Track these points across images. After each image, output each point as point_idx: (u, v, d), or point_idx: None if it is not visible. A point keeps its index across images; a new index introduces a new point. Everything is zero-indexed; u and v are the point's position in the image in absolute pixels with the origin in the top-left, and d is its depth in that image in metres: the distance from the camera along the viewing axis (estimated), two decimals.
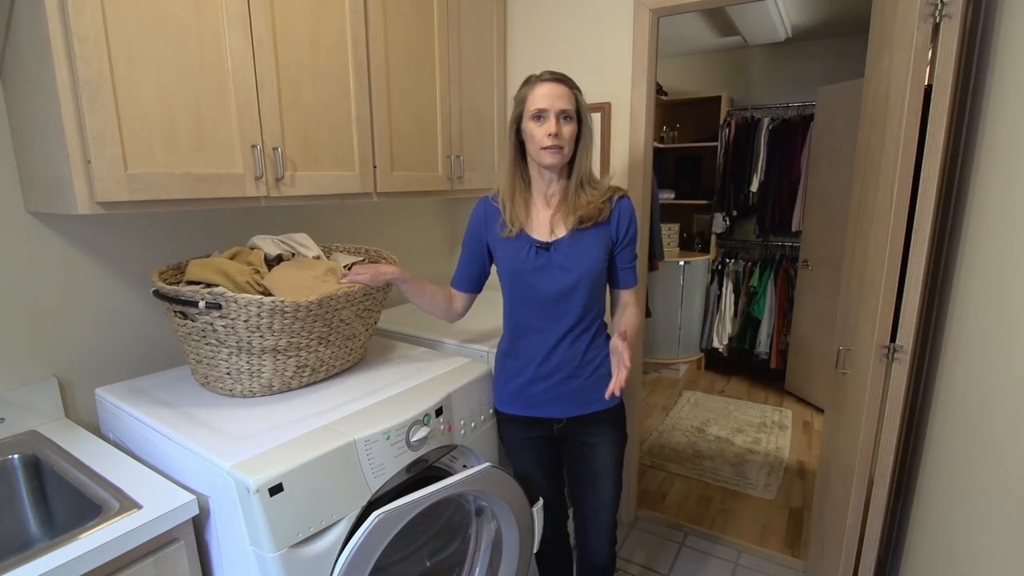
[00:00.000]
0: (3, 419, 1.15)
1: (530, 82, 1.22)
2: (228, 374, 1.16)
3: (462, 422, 1.30)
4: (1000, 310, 1.03)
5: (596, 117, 1.98)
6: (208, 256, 1.28)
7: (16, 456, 1.10)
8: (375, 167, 1.54)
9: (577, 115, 1.22)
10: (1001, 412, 0.98)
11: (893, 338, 1.33)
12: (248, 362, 1.14)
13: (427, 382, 1.31)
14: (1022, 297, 0.94)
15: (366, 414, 1.13)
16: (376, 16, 1.49)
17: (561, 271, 1.25)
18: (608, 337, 1.35)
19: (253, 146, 1.22)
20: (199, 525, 1.01)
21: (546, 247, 1.26)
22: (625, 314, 1.34)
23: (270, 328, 1.11)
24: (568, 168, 1.27)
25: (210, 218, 1.50)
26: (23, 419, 1.18)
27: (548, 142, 1.19)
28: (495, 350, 1.50)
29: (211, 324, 1.08)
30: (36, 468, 1.10)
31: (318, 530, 0.97)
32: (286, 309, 1.10)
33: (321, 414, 1.12)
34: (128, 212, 1.14)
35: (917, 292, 1.28)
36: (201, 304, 1.05)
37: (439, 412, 1.22)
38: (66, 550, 0.81)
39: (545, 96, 1.18)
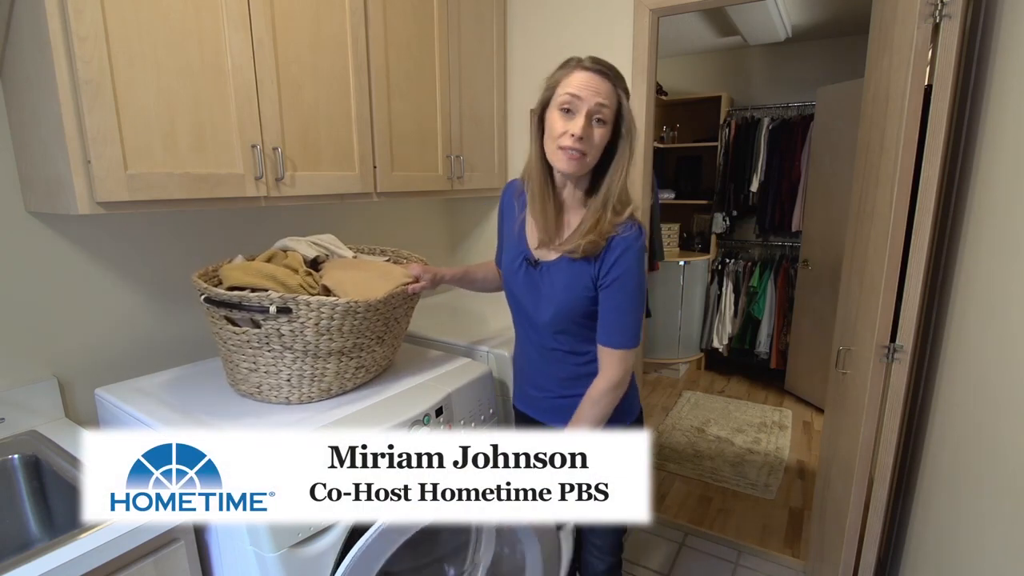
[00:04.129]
0: (3, 419, 1.15)
1: (569, 65, 1.01)
2: (288, 380, 1.13)
3: (462, 422, 1.30)
4: (1000, 309, 1.03)
5: None
6: (231, 260, 1.25)
7: (16, 456, 1.10)
8: (375, 167, 1.54)
9: (616, 120, 1.01)
10: (1001, 412, 0.98)
11: (893, 338, 1.33)
12: (312, 366, 1.12)
13: (427, 382, 1.30)
14: (1022, 297, 0.94)
15: (367, 414, 1.13)
16: (376, 16, 1.49)
17: (545, 301, 1.12)
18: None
19: (253, 146, 1.22)
20: (199, 525, 1.01)
21: (535, 264, 1.13)
22: (584, 399, 1.10)
23: (340, 330, 1.10)
24: (593, 185, 1.07)
25: (210, 218, 1.50)
26: (23, 419, 1.18)
27: (567, 142, 0.98)
28: (496, 350, 1.51)
29: (277, 330, 1.06)
30: (36, 468, 1.10)
31: (318, 530, 0.97)
32: (358, 310, 1.09)
33: (321, 414, 1.12)
34: (128, 212, 1.14)
35: (917, 292, 1.28)
36: (272, 309, 1.02)
37: (439, 412, 1.22)
38: (66, 550, 0.81)
39: (582, 85, 0.97)
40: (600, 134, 1.00)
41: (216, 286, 1.18)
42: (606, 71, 0.99)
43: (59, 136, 0.97)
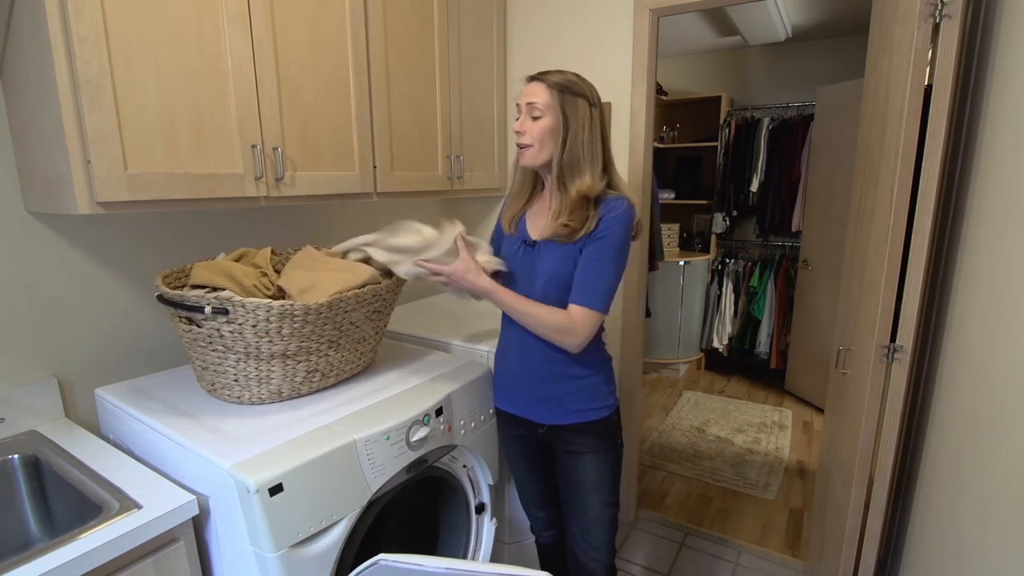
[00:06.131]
0: (3, 419, 1.15)
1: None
2: (236, 380, 1.13)
3: (462, 422, 1.30)
4: (1000, 309, 1.03)
5: None
6: (213, 258, 1.26)
7: (16, 456, 1.10)
8: (375, 167, 1.54)
9: (561, 112, 1.13)
10: (1002, 412, 0.98)
11: (893, 338, 1.33)
12: (257, 368, 1.12)
13: (427, 382, 1.31)
14: (1022, 296, 0.94)
15: (366, 414, 1.13)
16: (376, 16, 1.49)
17: (539, 274, 1.21)
18: (606, 357, 1.28)
19: (253, 146, 1.22)
20: (199, 525, 1.02)
21: (533, 244, 1.23)
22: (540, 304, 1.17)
23: (279, 333, 1.08)
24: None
25: (210, 218, 1.50)
26: (23, 419, 1.18)
27: (517, 140, 1.19)
28: (496, 350, 1.51)
29: (217, 330, 1.06)
30: (36, 468, 1.10)
31: (318, 530, 0.97)
32: (296, 312, 1.07)
33: (321, 414, 1.12)
34: (128, 212, 1.14)
35: (917, 292, 1.28)
36: (207, 310, 1.02)
37: (439, 412, 1.22)
38: (66, 550, 0.81)
39: (522, 95, 1.18)
40: (539, 126, 1.15)
41: (183, 285, 1.20)
42: (541, 76, 1.15)
43: (59, 136, 0.97)
